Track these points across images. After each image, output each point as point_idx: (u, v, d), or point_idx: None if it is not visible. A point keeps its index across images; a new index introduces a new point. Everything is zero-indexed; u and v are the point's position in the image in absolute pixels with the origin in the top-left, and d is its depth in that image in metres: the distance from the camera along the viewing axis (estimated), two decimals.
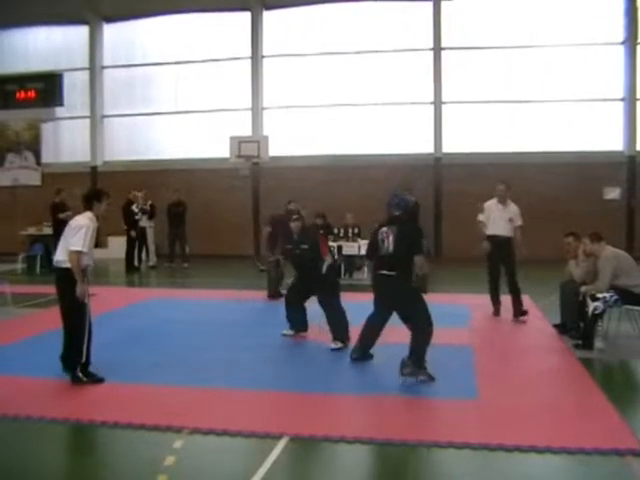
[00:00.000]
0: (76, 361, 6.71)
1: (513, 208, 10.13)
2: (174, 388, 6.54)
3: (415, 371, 6.70)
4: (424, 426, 5.55)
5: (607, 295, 7.90)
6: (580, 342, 8.11)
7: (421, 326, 6.88)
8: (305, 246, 8.70)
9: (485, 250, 10.13)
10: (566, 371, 7.29)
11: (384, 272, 7.03)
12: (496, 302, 10.32)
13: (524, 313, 10.01)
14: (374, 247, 7.24)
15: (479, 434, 5.24)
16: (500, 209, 10.08)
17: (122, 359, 7.63)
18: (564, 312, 9.03)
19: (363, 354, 7.50)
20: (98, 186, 20.57)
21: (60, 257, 6.73)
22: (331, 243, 14.65)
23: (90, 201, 6.86)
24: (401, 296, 7.01)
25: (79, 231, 6.61)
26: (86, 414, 5.74)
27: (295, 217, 9.02)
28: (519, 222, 10.10)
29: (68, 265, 6.60)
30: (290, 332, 8.94)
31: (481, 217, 10.31)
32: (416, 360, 6.74)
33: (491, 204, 10.22)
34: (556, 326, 9.15)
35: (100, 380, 6.74)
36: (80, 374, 6.70)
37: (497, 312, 10.29)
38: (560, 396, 6.35)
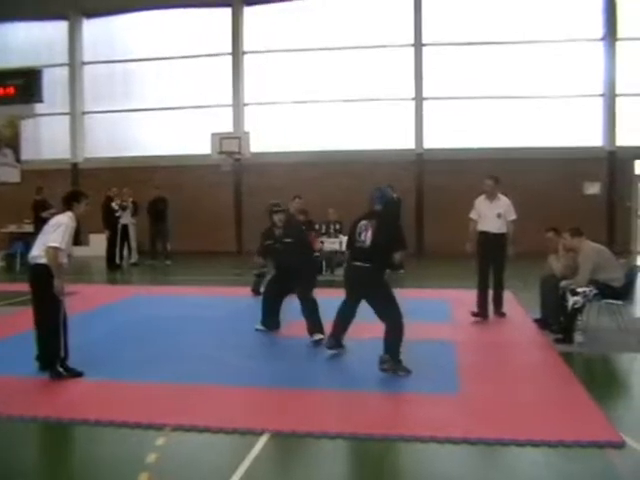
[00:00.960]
0: (55, 356, 6.69)
1: (503, 203, 9.73)
2: (156, 385, 6.52)
3: (394, 367, 6.76)
4: (406, 421, 5.57)
5: (587, 289, 7.96)
6: (560, 336, 8.18)
7: (393, 319, 6.97)
8: (289, 240, 8.57)
9: (469, 251, 9.83)
10: (547, 365, 7.34)
11: (358, 263, 7.12)
12: (482, 306, 9.78)
13: (502, 314, 9.87)
14: (352, 239, 7.28)
15: (461, 428, 5.26)
16: (488, 205, 9.73)
17: (104, 357, 7.60)
18: (544, 307, 9.09)
19: (336, 343, 7.55)
20: (79, 183, 20.54)
21: (36, 253, 6.74)
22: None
23: (69, 202, 6.92)
24: (372, 288, 7.09)
25: (58, 228, 6.66)
26: (67, 412, 5.71)
27: (277, 209, 8.70)
28: (511, 217, 9.70)
29: (43, 261, 6.62)
30: (263, 327, 8.93)
31: (472, 214, 9.93)
32: (393, 355, 6.82)
33: (480, 200, 9.89)
34: (537, 321, 9.21)
35: (79, 374, 6.74)
36: (60, 369, 6.68)
37: (481, 315, 9.74)
38: (541, 390, 6.39)
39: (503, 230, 9.65)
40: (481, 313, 9.76)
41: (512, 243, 9.69)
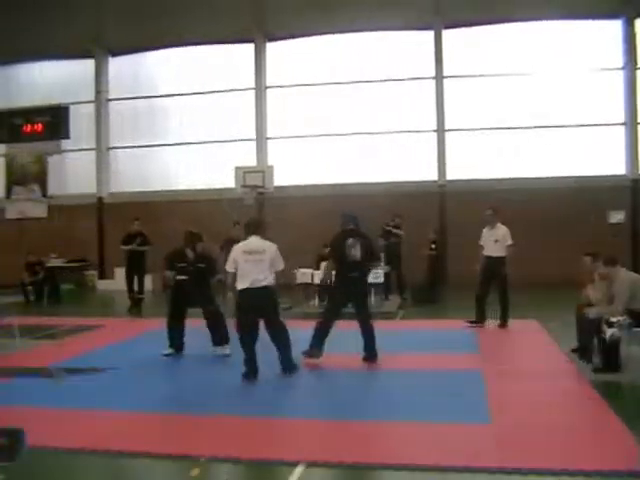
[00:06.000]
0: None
1: (501, 230, 11.38)
2: (188, 417, 6.55)
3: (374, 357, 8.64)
4: (439, 450, 5.52)
5: (621, 319, 7.84)
6: (600, 366, 8.05)
7: (369, 315, 8.88)
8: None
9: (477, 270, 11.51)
10: (579, 394, 7.27)
11: (354, 275, 8.60)
12: (478, 314, 11.49)
13: (503, 325, 11.35)
14: (343, 255, 8.60)
15: (495, 458, 5.23)
16: (489, 232, 11.47)
17: (132, 388, 7.66)
18: (581, 336, 8.84)
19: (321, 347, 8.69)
20: (104, 218, 20.86)
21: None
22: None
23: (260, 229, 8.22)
24: (364, 294, 9.09)
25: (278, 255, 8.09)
26: (100, 443, 5.69)
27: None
28: (508, 242, 11.31)
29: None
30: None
31: (480, 241, 11.63)
32: (374, 347, 8.63)
33: (485, 229, 11.61)
34: (575, 350, 9.01)
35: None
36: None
37: (477, 322, 11.47)
38: (574, 419, 6.33)
39: (499, 254, 11.29)
40: (478, 320, 11.44)
41: (507, 264, 11.28)
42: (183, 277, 9.44)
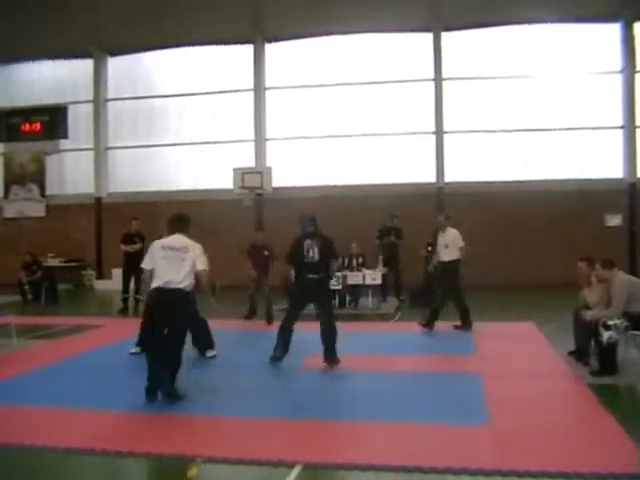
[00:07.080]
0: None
1: (450, 235, 11.44)
2: (184, 417, 6.55)
3: (335, 360, 8.49)
4: (437, 452, 5.52)
5: (618, 322, 7.86)
6: (597, 369, 8.06)
7: (332, 316, 8.81)
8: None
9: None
10: (576, 396, 7.28)
11: (312, 276, 8.61)
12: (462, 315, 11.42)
13: (426, 325, 11.23)
14: (299, 255, 8.66)
15: (492, 459, 5.23)
16: (440, 237, 11.61)
17: (129, 390, 7.67)
18: (578, 339, 8.86)
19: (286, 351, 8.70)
20: (102, 218, 20.84)
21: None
22: (337, 273, 14.67)
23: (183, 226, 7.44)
24: (323, 293, 8.89)
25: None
26: (99, 444, 5.69)
27: None
28: (459, 244, 11.35)
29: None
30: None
31: (437, 248, 11.78)
32: (333, 351, 8.52)
33: (438, 235, 11.73)
34: (571, 353, 9.03)
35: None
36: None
37: (463, 323, 11.36)
38: (572, 421, 6.34)
39: (450, 257, 11.35)
40: (463, 323, 11.39)
41: (460, 267, 11.41)
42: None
